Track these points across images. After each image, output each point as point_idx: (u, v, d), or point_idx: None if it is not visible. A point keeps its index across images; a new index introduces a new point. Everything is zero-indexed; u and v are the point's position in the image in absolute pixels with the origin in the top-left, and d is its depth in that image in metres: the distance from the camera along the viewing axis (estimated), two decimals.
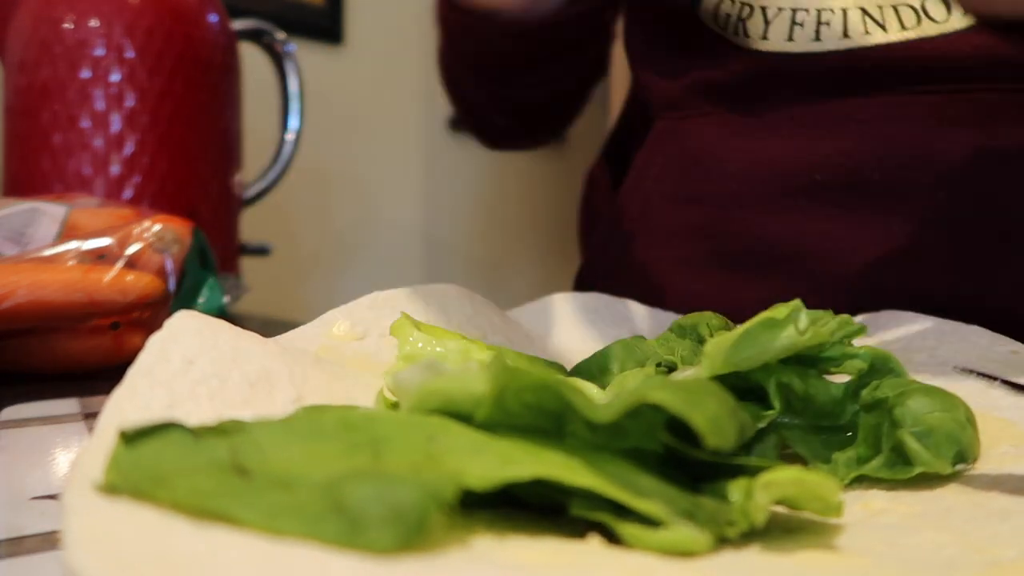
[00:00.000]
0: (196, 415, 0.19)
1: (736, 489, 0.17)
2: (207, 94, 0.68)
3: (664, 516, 0.15)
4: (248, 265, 0.80)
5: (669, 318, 0.37)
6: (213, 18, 0.69)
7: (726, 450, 0.17)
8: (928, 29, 0.42)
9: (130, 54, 0.64)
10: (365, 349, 0.28)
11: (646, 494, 0.15)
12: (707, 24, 0.47)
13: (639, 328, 0.36)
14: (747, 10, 0.45)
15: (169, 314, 0.43)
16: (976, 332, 0.31)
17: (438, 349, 0.25)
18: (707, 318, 0.30)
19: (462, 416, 0.17)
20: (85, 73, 0.63)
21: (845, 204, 0.43)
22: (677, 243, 0.48)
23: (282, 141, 0.83)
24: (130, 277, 0.41)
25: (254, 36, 0.80)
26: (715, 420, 0.16)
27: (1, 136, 0.68)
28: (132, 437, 0.15)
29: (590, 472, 0.15)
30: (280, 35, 0.81)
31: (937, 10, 0.41)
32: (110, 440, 0.16)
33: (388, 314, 0.28)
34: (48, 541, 0.20)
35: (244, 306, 0.72)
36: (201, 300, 0.48)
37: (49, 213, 0.47)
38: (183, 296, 0.45)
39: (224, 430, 0.16)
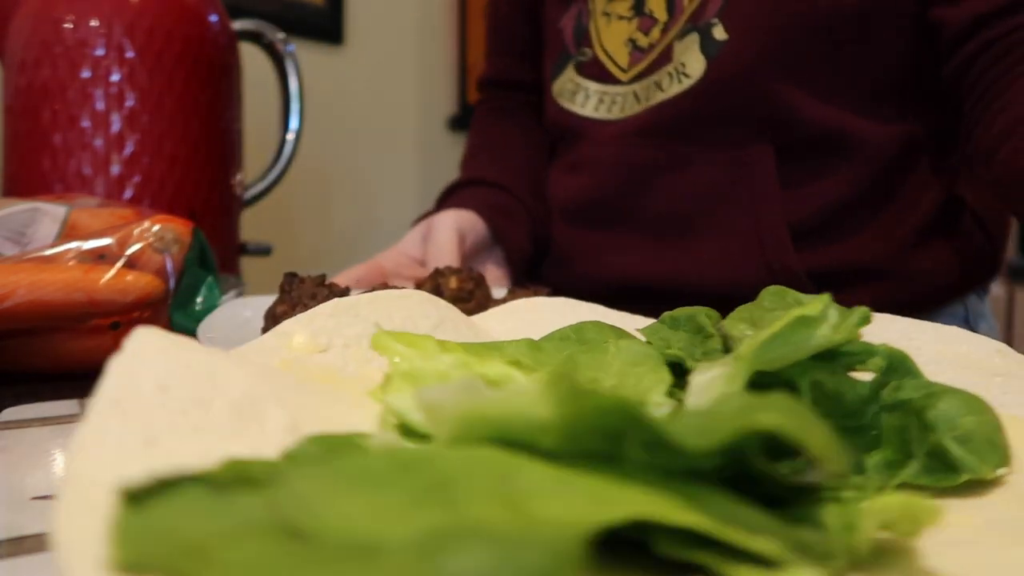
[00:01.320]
0: (182, 453, 0.16)
1: (831, 515, 0.15)
2: (207, 94, 0.68)
3: (781, 555, 0.14)
4: (248, 265, 0.80)
5: (640, 322, 0.35)
6: (213, 18, 0.69)
7: (842, 475, 0.15)
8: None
9: (130, 54, 0.64)
10: (331, 362, 0.26)
11: (754, 529, 0.14)
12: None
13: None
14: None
15: (169, 314, 0.43)
16: (953, 331, 0.31)
17: (438, 365, 0.23)
18: (702, 311, 0.29)
19: (516, 444, 0.15)
20: (85, 73, 0.63)
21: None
22: None
23: (282, 141, 0.83)
24: (130, 277, 0.41)
25: (254, 36, 0.80)
26: (830, 444, 0.15)
27: (1, 136, 0.68)
28: (137, 497, 0.13)
29: (692, 509, 0.14)
30: (280, 35, 0.81)
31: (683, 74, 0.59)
32: (93, 500, 0.13)
33: (350, 322, 0.26)
34: (48, 541, 0.20)
35: None
36: (200, 300, 0.48)
37: (49, 213, 0.47)
38: (182, 296, 0.45)
39: (248, 478, 0.14)
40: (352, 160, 1.45)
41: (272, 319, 0.38)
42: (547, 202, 0.70)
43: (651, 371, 0.24)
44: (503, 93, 0.80)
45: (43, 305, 0.38)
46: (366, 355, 0.25)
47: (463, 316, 0.30)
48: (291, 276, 0.40)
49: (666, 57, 0.59)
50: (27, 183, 0.64)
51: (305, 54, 1.29)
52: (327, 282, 0.40)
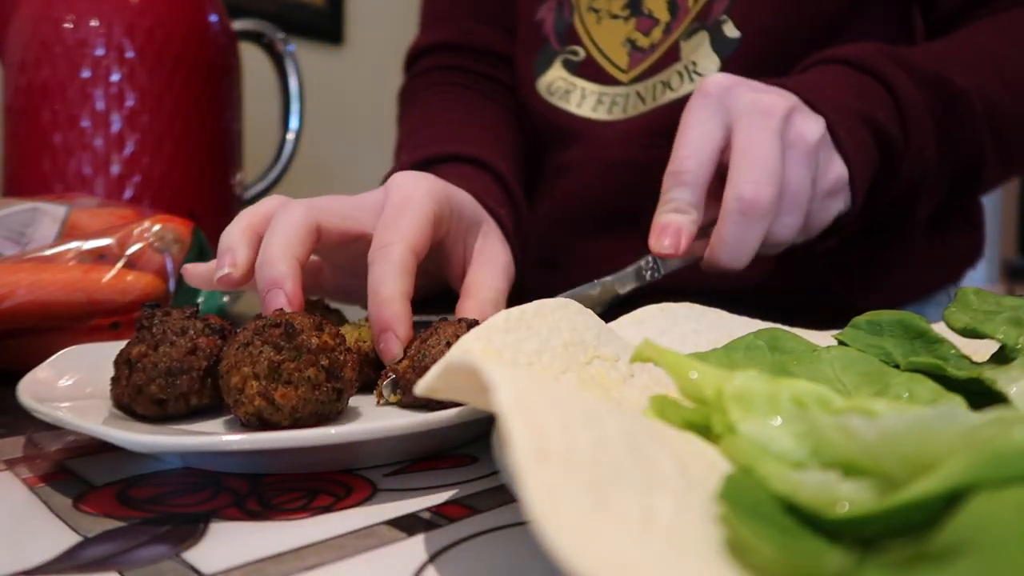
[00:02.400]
0: (639, 510, 0.15)
1: None
2: (207, 94, 0.68)
3: None
4: None
5: (756, 325, 0.34)
6: (213, 18, 0.69)
7: None
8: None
9: (130, 54, 0.64)
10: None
11: None
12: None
13: (736, 335, 0.32)
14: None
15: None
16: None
17: (756, 385, 0.20)
18: (909, 315, 0.27)
19: None
20: (85, 73, 0.63)
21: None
22: None
23: (282, 141, 0.83)
24: (130, 277, 0.41)
25: (254, 36, 0.80)
26: None
27: (1, 136, 0.68)
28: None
29: None
30: (280, 35, 0.81)
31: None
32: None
33: (525, 337, 0.24)
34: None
35: (244, 306, 0.72)
36: (200, 300, 0.48)
37: (49, 213, 0.47)
38: (183, 296, 0.45)
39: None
40: (352, 160, 1.45)
41: (127, 365, 0.28)
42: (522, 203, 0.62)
43: (914, 381, 0.22)
44: (466, 62, 0.68)
45: (43, 305, 0.38)
46: (552, 373, 0.23)
47: (605, 325, 0.29)
48: (152, 308, 0.29)
49: (672, 56, 0.58)
50: (27, 183, 0.64)
51: (305, 54, 1.29)
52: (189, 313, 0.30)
